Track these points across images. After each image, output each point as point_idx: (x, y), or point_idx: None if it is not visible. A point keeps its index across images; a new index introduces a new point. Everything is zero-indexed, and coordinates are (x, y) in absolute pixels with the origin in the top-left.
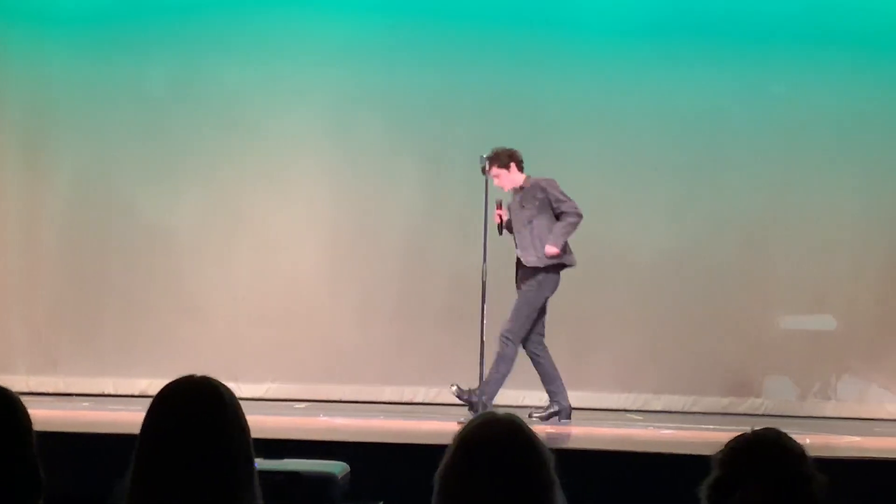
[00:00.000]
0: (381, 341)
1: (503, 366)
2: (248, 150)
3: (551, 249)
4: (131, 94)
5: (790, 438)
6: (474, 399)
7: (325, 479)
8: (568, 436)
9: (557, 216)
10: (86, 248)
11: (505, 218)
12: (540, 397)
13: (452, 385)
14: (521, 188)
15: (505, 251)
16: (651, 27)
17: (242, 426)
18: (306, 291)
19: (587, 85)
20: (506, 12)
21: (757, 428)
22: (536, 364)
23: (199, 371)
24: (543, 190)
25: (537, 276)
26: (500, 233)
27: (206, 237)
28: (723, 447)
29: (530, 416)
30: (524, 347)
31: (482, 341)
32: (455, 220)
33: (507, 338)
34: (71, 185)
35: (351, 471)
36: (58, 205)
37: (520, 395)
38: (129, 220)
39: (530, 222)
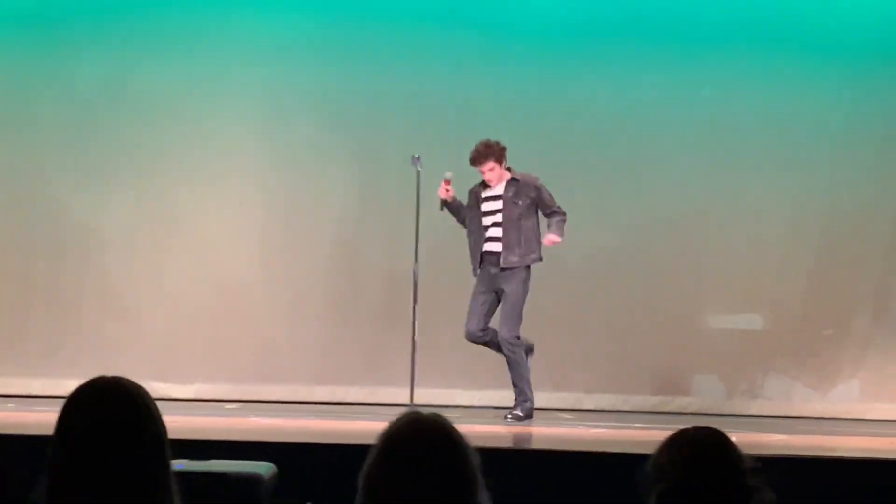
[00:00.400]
0: (313, 341)
1: (524, 369)
2: (179, 149)
3: (556, 238)
4: (61, 92)
5: (734, 446)
6: (526, 406)
7: (251, 480)
8: (496, 435)
9: (546, 214)
10: (14, 248)
11: (451, 195)
12: (472, 397)
13: (507, 417)
14: (513, 180)
15: (437, 251)
16: (579, 27)
17: (156, 427)
18: (237, 291)
19: (515, 85)
20: (435, 13)
21: (696, 430)
22: (485, 344)
23: (128, 372)
24: (537, 189)
25: (520, 275)
26: (442, 208)
27: (137, 237)
28: (665, 450)
29: (506, 417)
30: (472, 338)
31: (414, 341)
32: (387, 221)
33: (513, 343)
34: None
35: (279, 471)
36: None
37: (451, 394)
38: (59, 219)
39: (520, 220)
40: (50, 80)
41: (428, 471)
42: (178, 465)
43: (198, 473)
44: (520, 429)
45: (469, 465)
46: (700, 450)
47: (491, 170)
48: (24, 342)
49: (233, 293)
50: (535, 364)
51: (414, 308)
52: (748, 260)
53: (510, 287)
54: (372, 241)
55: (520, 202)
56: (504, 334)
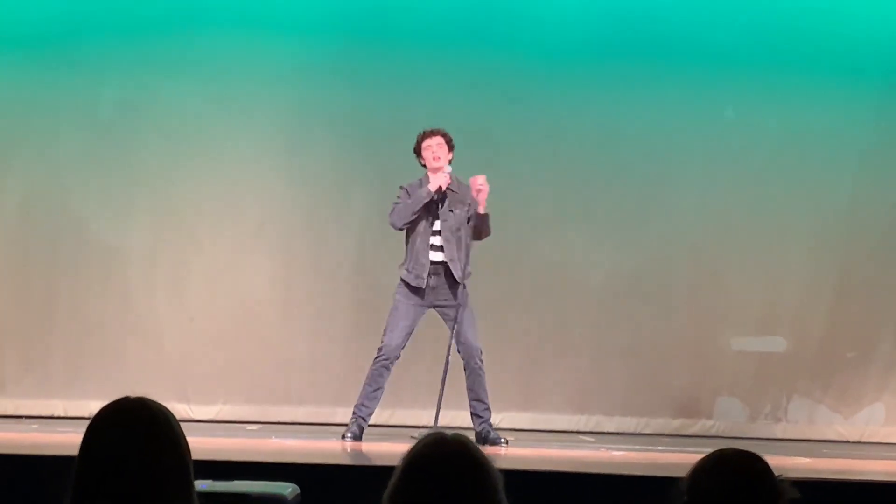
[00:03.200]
0: (335, 362)
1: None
2: (199, 171)
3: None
4: (82, 114)
5: (773, 473)
6: (490, 434)
7: (274, 501)
8: (518, 457)
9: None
10: (36, 269)
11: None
12: (494, 419)
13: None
14: (450, 190)
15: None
16: (603, 47)
17: (180, 447)
18: (259, 312)
19: (538, 106)
20: (456, 34)
21: (735, 453)
22: (384, 377)
23: (150, 393)
24: (472, 197)
25: (466, 289)
26: (435, 197)
27: (159, 257)
28: (704, 472)
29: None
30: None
31: (447, 360)
32: None
33: (482, 358)
34: (21, 206)
35: (301, 492)
36: (7, 225)
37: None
38: (80, 240)
39: (458, 230)
40: (72, 101)
41: (452, 492)
42: (202, 485)
43: (221, 494)
44: (542, 451)
45: (493, 486)
46: (741, 476)
47: (440, 146)
48: (46, 364)
49: (254, 314)
50: (554, 385)
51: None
52: (770, 281)
53: (462, 300)
54: (393, 262)
55: (456, 210)
56: (478, 349)
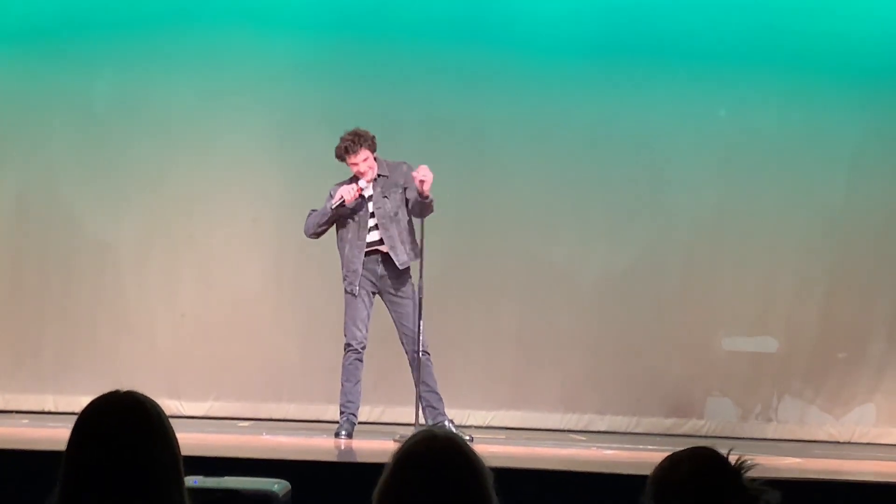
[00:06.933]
0: (326, 360)
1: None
2: (192, 166)
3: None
4: (75, 109)
5: (728, 461)
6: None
7: (264, 497)
8: (510, 455)
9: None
10: (27, 263)
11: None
12: (484, 417)
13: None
14: (380, 175)
15: (444, 268)
16: (596, 46)
17: (170, 441)
18: (250, 309)
19: (530, 104)
20: (450, 32)
21: (691, 451)
22: (360, 369)
23: (141, 389)
24: (404, 175)
25: (410, 277)
26: (337, 208)
27: (150, 253)
28: (665, 473)
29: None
30: (356, 350)
31: (418, 358)
32: None
33: (428, 352)
34: (12, 200)
35: (292, 489)
36: None
37: (464, 413)
38: (72, 235)
39: (396, 215)
40: (64, 96)
41: (441, 489)
42: (193, 481)
43: (212, 490)
44: (534, 449)
45: (483, 484)
46: (704, 475)
47: (366, 160)
48: (37, 358)
49: (246, 311)
50: (546, 383)
51: (419, 324)
52: (762, 282)
53: (405, 289)
54: None
55: (389, 196)
56: (422, 342)
